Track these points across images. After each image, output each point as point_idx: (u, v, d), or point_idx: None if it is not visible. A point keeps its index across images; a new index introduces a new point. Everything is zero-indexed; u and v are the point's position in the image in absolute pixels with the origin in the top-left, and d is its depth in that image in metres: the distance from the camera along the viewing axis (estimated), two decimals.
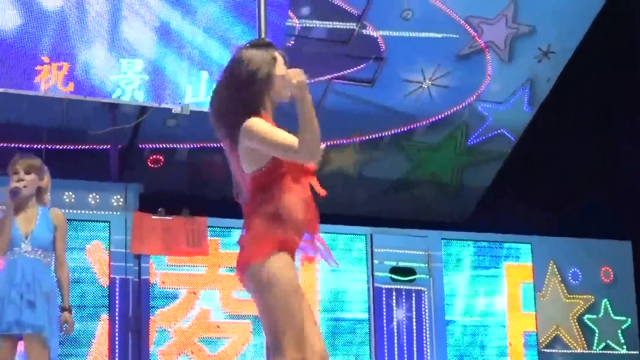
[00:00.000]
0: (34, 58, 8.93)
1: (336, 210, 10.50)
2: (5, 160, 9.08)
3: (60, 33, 9.04)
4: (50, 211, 6.15)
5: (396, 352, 9.91)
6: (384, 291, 9.96)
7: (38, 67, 8.93)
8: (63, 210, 8.33)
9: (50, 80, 9.00)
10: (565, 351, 10.69)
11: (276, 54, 4.49)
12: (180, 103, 9.37)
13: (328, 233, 9.70)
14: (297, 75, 4.19)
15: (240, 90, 4.37)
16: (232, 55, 4.46)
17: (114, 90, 9.26)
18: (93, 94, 9.23)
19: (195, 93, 9.45)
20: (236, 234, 9.08)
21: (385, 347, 9.87)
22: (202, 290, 9.25)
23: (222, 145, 4.43)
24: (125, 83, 9.30)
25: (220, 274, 9.30)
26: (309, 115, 4.18)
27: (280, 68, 4.41)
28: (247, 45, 4.42)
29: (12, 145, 9.78)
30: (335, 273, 9.78)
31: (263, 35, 5.66)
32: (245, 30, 9.49)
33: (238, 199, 4.46)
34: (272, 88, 4.39)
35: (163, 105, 9.41)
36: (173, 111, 9.49)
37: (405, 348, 9.96)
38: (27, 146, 9.81)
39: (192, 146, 10.45)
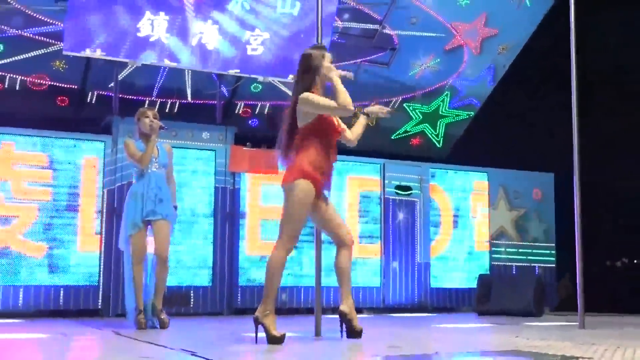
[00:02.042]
0: None
1: (362, 148, 10.54)
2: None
3: None
4: (164, 145, 6.36)
5: (398, 240, 9.90)
6: (391, 200, 9.92)
7: None
8: (186, 142, 8.54)
9: None
10: (506, 242, 10.68)
11: (325, 53, 4.68)
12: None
13: (356, 162, 9.72)
14: (334, 71, 4.61)
15: (302, 74, 4.62)
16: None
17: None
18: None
19: None
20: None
21: (391, 236, 9.87)
22: None
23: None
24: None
25: None
26: (339, 88, 4.52)
27: (327, 61, 4.63)
28: (310, 47, 4.73)
29: (156, 99, 9.85)
30: (362, 187, 9.78)
31: (321, 32, 5.63)
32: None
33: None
34: (321, 73, 4.62)
35: (253, 75, 9.41)
36: (258, 80, 9.50)
37: (403, 237, 9.95)
38: (164, 100, 9.88)
39: (269, 103, 10.48)
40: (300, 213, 4.48)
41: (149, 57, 8.95)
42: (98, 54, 8.66)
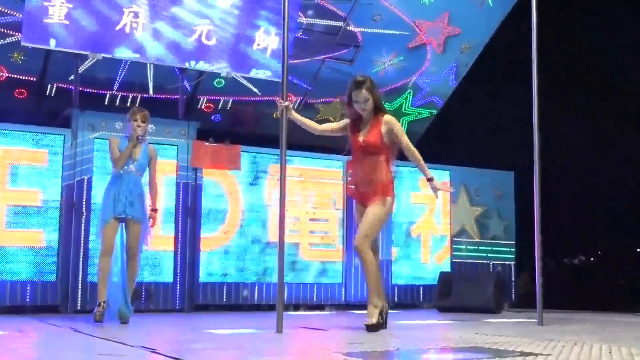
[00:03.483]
0: None
1: (326, 144, 10.53)
2: (111, 102, 9.01)
3: None
4: (149, 147, 6.50)
5: None
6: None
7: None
8: (148, 137, 8.42)
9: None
10: (467, 239, 10.74)
11: (353, 91, 5.46)
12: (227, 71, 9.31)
13: (322, 159, 9.66)
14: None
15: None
16: None
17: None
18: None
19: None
20: (258, 157, 9.16)
21: (353, 230, 9.76)
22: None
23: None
24: None
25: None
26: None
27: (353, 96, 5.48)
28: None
29: (116, 93, 9.71)
30: (323, 184, 9.69)
31: (286, 29, 5.62)
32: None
33: None
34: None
35: (215, 70, 9.30)
36: (221, 75, 9.43)
37: None
38: (125, 94, 9.75)
39: (232, 99, 10.42)
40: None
41: (119, 51, 8.79)
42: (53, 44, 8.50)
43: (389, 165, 5.52)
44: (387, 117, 5.51)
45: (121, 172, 6.22)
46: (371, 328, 5.24)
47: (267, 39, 9.49)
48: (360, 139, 5.47)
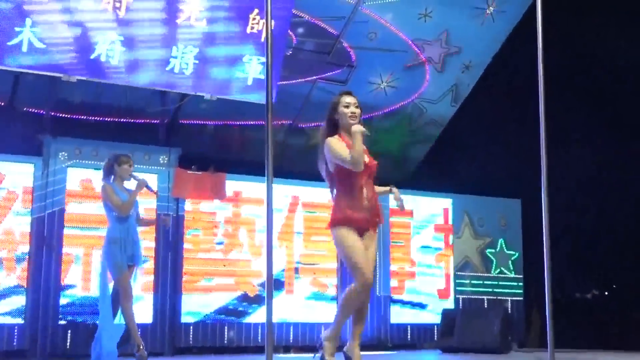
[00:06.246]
0: None
1: (319, 171, 10.38)
2: (85, 129, 8.85)
3: None
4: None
5: None
6: None
7: None
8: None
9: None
10: (471, 274, 10.52)
11: (342, 97, 5.03)
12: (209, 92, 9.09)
13: (316, 186, 9.42)
14: (356, 127, 4.78)
15: (326, 120, 5.04)
16: None
17: None
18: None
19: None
20: (242, 186, 8.99)
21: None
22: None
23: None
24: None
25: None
26: (355, 142, 4.73)
27: (342, 107, 4.96)
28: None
29: (91, 118, 9.53)
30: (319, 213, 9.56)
31: (270, 47, 5.34)
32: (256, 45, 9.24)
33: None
34: (340, 118, 4.96)
35: (199, 93, 9.12)
36: (204, 97, 9.24)
37: None
38: (101, 119, 9.56)
39: (216, 123, 10.24)
40: (351, 251, 4.79)
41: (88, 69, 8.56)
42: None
43: None
44: None
45: (126, 216, 6.48)
46: None
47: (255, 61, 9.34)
48: (366, 159, 4.98)
